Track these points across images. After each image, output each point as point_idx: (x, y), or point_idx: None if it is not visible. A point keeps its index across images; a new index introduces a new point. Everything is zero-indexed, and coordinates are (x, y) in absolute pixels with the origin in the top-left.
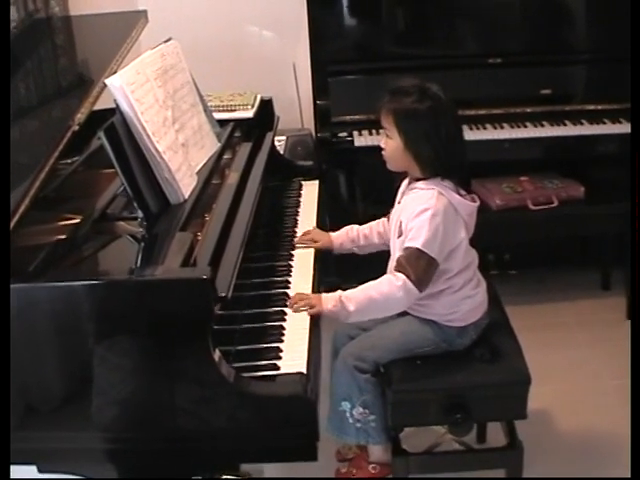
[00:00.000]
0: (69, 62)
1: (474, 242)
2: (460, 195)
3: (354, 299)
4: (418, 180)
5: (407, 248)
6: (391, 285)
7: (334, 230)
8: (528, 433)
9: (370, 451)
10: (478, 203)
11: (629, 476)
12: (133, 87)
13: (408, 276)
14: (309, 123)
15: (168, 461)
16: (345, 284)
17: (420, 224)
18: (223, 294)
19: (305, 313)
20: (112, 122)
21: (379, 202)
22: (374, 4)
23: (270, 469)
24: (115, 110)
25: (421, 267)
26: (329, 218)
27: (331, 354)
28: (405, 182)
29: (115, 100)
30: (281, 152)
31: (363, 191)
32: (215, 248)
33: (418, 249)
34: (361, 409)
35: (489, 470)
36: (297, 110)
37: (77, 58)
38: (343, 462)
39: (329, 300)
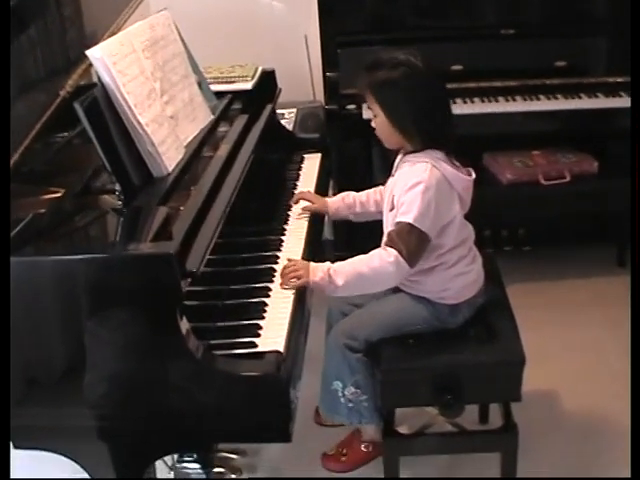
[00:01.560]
0: (75, 32)
1: (478, 216)
2: (455, 167)
3: (343, 273)
4: (411, 153)
5: (398, 223)
6: (382, 260)
7: None
8: (533, 413)
9: (363, 430)
10: (474, 177)
11: (629, 475)
12: (115, 58)
13: (400, 251)
14: (321, 96)
15: (141, 437)
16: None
17: (412, 198)
18: (193, 269)
19: (290, 290)
20: (92, 94)
21: (389, 174)
22: None
23: (268, 449)
24: None
25: (413, 242)
26: (338, 190)
27: (326, 331)
28: (400, 155)
29: (96, 72)
30: (291, 125)
31: (371, 164)
32: (192, 222)
33: (409, 224)
34: (353, 389)
35: (484, 453)
36: (309, 82)
37: (83, 28)
38: (321, 426)
39: (317, 271)
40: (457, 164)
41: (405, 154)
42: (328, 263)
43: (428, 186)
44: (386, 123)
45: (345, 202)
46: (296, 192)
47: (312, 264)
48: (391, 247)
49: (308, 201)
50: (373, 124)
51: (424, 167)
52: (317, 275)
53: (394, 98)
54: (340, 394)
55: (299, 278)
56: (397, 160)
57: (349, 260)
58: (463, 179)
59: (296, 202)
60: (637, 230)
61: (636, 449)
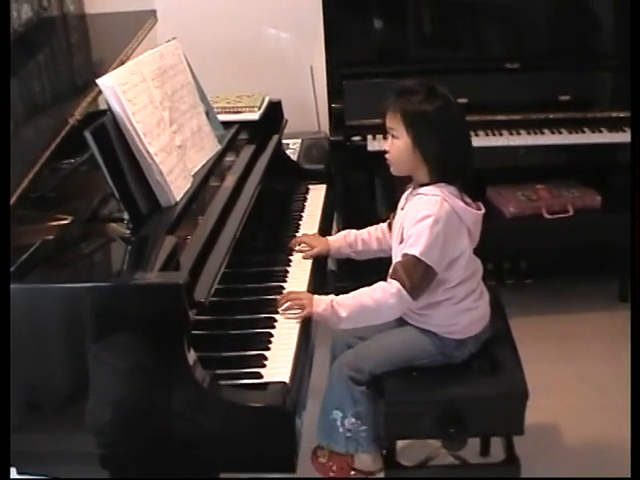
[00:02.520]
0: (83, 60)
1: (481, 250)
2: (465, 202)
3: (346, 305)
4: (422, 186)
5: (405, 254)
6: (384, 292)
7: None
8: (534, 446)
9: (357, 457)
10: (483, 211)
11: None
12: (125, 87)
13: (403, 283)
14: (326, 127)
15: (145, 466)
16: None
17: (420, 231)
18: (202, 299)
19: (295, 321)
20: (102, 122)
21: (393, 207)
22: (390, 7)
23: None
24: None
25: (417, 275)
26: (342, 222)
27: (330, 363)
28: (409, 188)
29: (106, 100)
30: (295, 155)
31: (376, 196)
32: (199, 252)
33: (415, 256)
34: (353, 419)
35: None
36: (314, 113)
37: (92, 56)
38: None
39: (320, 303)
40: (468, 200)
41: (416, 187)
42: (332, 295)
43: (437, 219)
44: (409, 149)
45: (346, 240)
46: (300, 223)
47: (315, 296)
48: (395, 279)
49: (308, 245)
50: (387, 147)
51: (434, 200)
52: (320, 307)
53: (428, 128)
54: (339, 423)
55: (302, 308)
56: (407, 193)
57: (352, 292)
58: (473, 213)
59: (297, 244)
60: (637, 257)
61: (636, 449)
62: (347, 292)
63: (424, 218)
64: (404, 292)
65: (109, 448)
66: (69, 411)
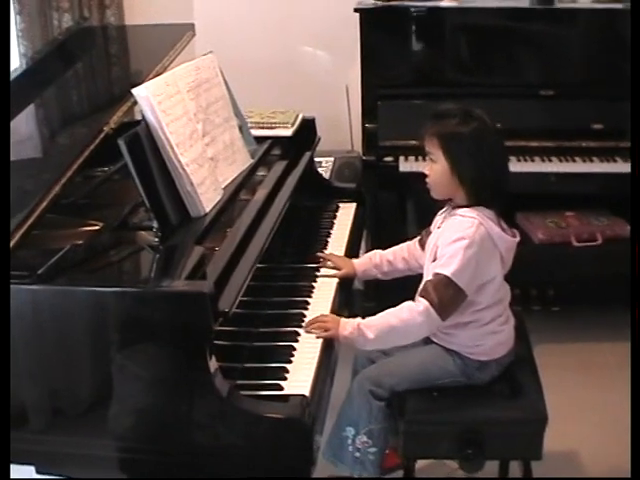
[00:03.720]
0: (121, 70)
1: (508, 275)
2: (501, 228)
3: (373, 326)
4: (461, 207)
5: (437, 274)
6: (412, 311)
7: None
8: (552, 472)
9: None
10: (518, 239)
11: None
12: (160, 98)
13: (431, 302)
14: (359, 146)
15: (161, 471)
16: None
17: (454, 252)
18: (226, 309)
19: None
20: (136, 131)
21: (423, 227)
22: (427, 30)
23: None
24: None
25: (447, 296)
26: (371, 241)
27: (351, 377)
28: (447, 208)
29: (141, 110)
30: (328, 173)
31: (407, 216)
32: (226, 263)
33: (447, 277)
34: (365, 438)
35: None
36: (348, 132)
37: (129, 67)
38: None
39: (347, 326)
40: (504, 226)
41: (454, 207)
42: (358, 319)
43: (471, 243)
44: (447, 172)
45: (372, 262)
46: (329, 240)
47: (342, 319)
48: (423, 297)
49: (335, 266)
50: (427, 171)
51: (471, 223)
52: (347, 329)
53: (463, 150)
54: (350, 441)
55: (327, 330)
56: (444, 212)
57: (379, 314)
58: (507, 239)
59: (324, 260)
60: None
61: (636, 449)
62: (374, 313)
63: (459, 240)
64: (432, 311)
65: (129, 453)
66: (91, 414)
